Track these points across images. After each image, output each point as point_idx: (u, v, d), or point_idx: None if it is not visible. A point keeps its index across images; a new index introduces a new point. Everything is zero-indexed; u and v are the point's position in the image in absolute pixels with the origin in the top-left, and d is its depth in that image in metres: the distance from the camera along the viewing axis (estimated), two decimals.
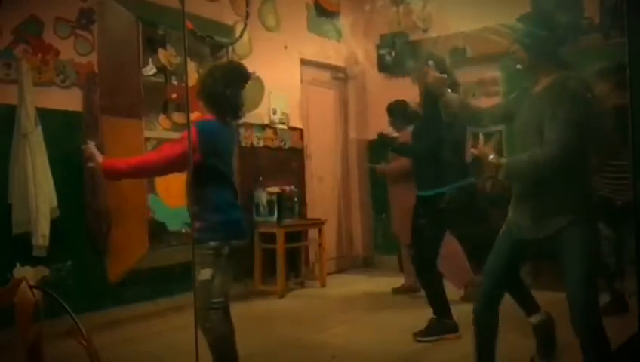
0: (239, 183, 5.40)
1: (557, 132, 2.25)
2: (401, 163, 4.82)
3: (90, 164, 2.61)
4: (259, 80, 5.80)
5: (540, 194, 2.37)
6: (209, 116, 2.78)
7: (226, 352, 2.70)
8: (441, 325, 3.80)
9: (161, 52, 5.00)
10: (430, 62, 3.30)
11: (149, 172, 2.80)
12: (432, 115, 3.65)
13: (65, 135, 4.27)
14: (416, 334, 3.80)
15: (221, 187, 2.76)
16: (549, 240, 2.38)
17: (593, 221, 2.37)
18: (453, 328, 3.80)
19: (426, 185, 3.84)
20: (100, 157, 2.53)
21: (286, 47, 6.07)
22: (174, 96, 5.02)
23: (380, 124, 5.49)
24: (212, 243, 2.64)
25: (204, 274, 2.62)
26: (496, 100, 5.48)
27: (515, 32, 2.48)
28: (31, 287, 1.83)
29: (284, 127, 6.06)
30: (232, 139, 2.94)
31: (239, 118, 2.94)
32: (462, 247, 4.67)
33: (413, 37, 6.43)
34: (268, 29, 5.94)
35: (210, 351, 2.65)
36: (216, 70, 2.83)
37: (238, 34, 5.46)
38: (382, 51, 6.55)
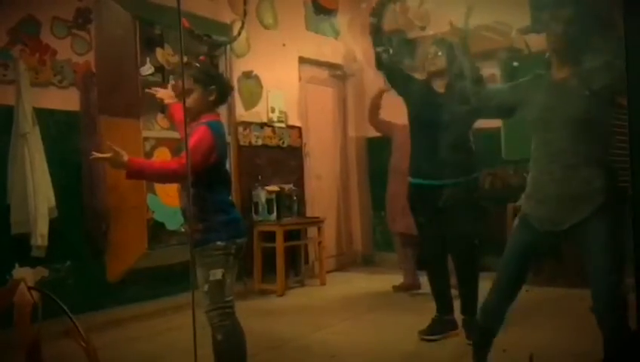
0: (238, 182, 5.41)
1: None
2: None
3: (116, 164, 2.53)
4: (257, 78, 5.81)
5: (563, 181, 2.33)
6: (213, 116, 2.76)
7: (238, 351, 2.70)
8: (444, 323, 3.79)
9: (158, 51, 5.00)
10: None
11: (174, 179, 2.76)
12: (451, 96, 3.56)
13: (63, 135, 4.27)
14: (421, 332, 3.77)
15: (224, 186, 2.78)
16: (571, 230, 2.34)
17: (620, 206, 2.30)
18: (454, 325, 3.80)
19: (438, 174, 3.65)
20: (126, 156, 2.51)
21: (284, 45, 6.07)
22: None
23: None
24: (220, 243, 2.63)
25: (216, 274, 2.61)
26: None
27: (550, 18, 2.41)
28: (29, 288, 1.83)
29: (283, 125, 6.05)
30: (225, 135, 2.92)
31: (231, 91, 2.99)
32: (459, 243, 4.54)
33: (410, 35, 6.42)
34: (266, 27, 5.93)
35: (220, 351, 2.64)
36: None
37: (235, 32, 5.45)
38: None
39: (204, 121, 2.67)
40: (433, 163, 3.63)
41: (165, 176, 2.72)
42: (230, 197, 2.86)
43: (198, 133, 2.60)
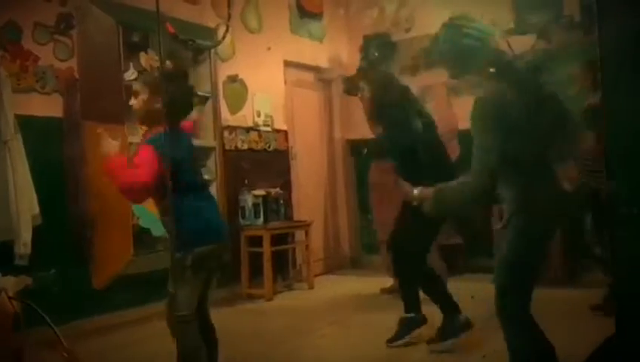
0: (224, 187, 5.38)
1: (478, 159, 2.27)
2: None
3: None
4: (242, 82, 5.79)
5: (490, 193, 2.39)
6: (160, 128, 2.58)
7: None
8: (406, 323, 3.77)
9: (142, 56, 4.96)
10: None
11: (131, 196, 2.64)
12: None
13: (46, 141, 4.23)
14: (388, 341, 3.74)
15: (189, 193, 2.62)
16: None
17: (536, 216, 2.32)
18: (418, 322, 3.77)
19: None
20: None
21: (269, 49, 6.06)
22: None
23: (365, 124, 5.48)
24: (177, 254, 2.48)
25: (170, 286, 2.55)
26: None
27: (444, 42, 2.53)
28: (10, 298, 1.81)
29: (269, 129, 6.04)
30: (186, 143, 2.78)
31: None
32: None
33: (395, 37, 6.43)
34: (250, 31, 5.93)
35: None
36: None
37: (220, 36, 5.43)
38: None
39: (147, 138, 2.61)
40: (409, 176, 3.69)
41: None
42: (199, 203, 2.69)
43: (140, 154, 2.51)
